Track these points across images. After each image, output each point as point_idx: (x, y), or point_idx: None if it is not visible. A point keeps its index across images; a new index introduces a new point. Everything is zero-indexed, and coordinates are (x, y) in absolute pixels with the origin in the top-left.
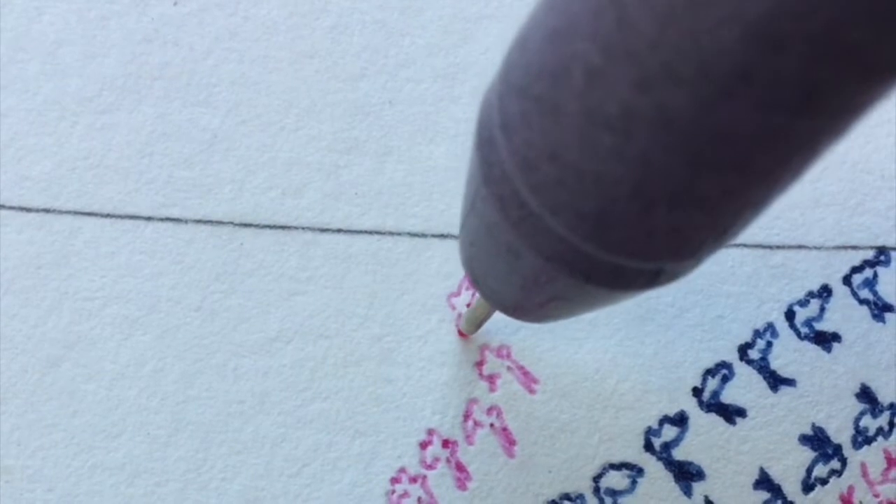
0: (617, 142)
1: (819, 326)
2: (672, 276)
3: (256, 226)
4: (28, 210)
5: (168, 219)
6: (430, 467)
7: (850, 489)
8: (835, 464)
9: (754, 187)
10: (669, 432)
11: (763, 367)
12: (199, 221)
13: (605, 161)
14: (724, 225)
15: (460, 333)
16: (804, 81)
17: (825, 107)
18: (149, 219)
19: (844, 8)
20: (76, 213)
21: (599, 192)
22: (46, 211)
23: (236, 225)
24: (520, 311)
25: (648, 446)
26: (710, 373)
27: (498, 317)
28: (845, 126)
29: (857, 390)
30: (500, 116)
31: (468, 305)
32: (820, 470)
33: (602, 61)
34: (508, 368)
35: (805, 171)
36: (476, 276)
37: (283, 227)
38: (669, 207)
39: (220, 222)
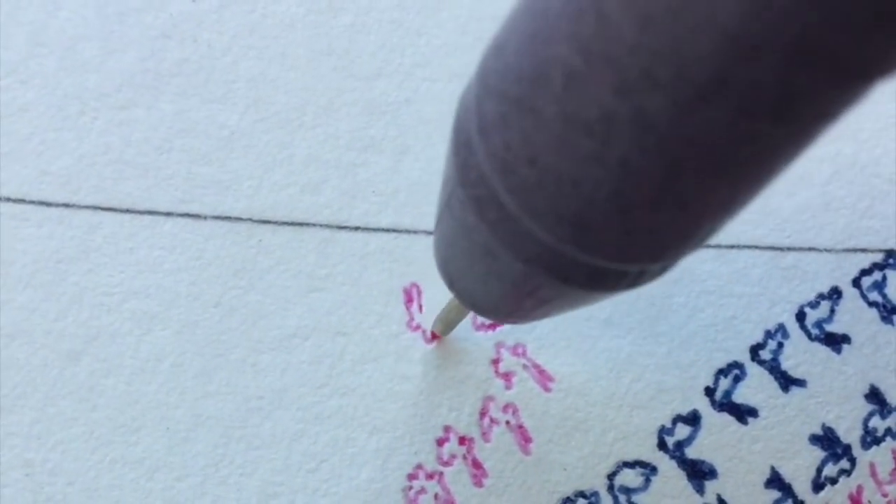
0: (596, 146)
1: (829, 328)
2: (649, 277)
3: (274, 223)
4: (48, 205)
5: (187, 215)
6: (446, 464)
7: (860, 489)
8: (844, 464)
9: (730, 190)
10: (682, 431)
11: (774, 368)
12: (217, 218)
13: (583, 165)
14: (700, 227)
15: (433, 335)
16: (780, 87)
17: (800, 113)
18: (168, 214)
19: (820, 14)
20: (96, 208)
21: (578, 196)
22: (66, 206)
23: (254, 221)
24: (495, 312)
25: (662, 445)
26: (722, 373)
27: None
28: (819, 131)
29: (867, 391)
30: (478, 119)
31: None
32: (830, 469)
33: (581, 65)
34: (524, 366)
35: (780, 174)
36: (452, 277)
37: (300, 224)
38: (647, 211)
39: (238, 219)
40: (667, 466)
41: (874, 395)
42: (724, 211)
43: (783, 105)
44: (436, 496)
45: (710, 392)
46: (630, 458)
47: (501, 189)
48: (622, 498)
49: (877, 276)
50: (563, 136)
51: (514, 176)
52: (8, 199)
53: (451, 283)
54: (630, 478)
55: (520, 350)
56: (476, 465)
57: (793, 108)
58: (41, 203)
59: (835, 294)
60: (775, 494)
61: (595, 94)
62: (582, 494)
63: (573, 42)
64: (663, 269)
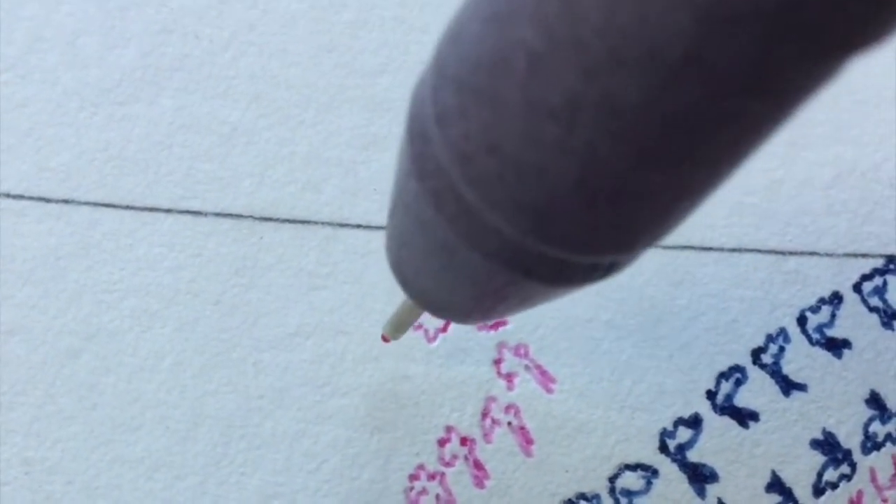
0: (561, 132)
1: (830, 333)
2: (613, 270)
3: (276, 220)
4: (47, 201)
5: (187, 211)
6: (448, 465)
7: (860, 494)
8: (845, 469)
9: (700, 176)
10: (684, 434)
11: (776, 372)
12: (218, 214)
13: (547, 153)
14: (666, 216)
15: (383, 338)
16: (757, 62)
17: (777, 88)
18: (168, 211)
19: None
20: (95, 204)
21: (541, 185)
22: (66, 202)
23: (256, 219)
24: (452, 311)
25: (663, 448)
26: (723, 376)
27: (517, 315)
28: (795, 108)
29: (867, 396)
30: (435, 109)
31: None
32: (830, 474)
33: (545, 48)
34: (526, 367)
35: (749, 158)
36: (406, 277)
37: (302, 222)
38: (613, 200)
39: (239, 216)
40: (668, 469)
41: (874, 401)
42: (696, 196)
43: (759, 81)
44: (437, 497)
45: (711, 395)
46: (631, 460)
47: (460, 180)
48: (623, 501)
49: (878, 281)
50: (525, 124)
51: (474, 166)
52: (7, 195)
53: (405, 283)
54: (631, 480)
55: (522, 351)
56: (478, 466)
57: (769, 84)
58: (40, 199)
59: (836, 299)
60: (776, 499)
61: (560, 77)
62: (583, 497)
63: (536, 24)
64: (628, 261)
